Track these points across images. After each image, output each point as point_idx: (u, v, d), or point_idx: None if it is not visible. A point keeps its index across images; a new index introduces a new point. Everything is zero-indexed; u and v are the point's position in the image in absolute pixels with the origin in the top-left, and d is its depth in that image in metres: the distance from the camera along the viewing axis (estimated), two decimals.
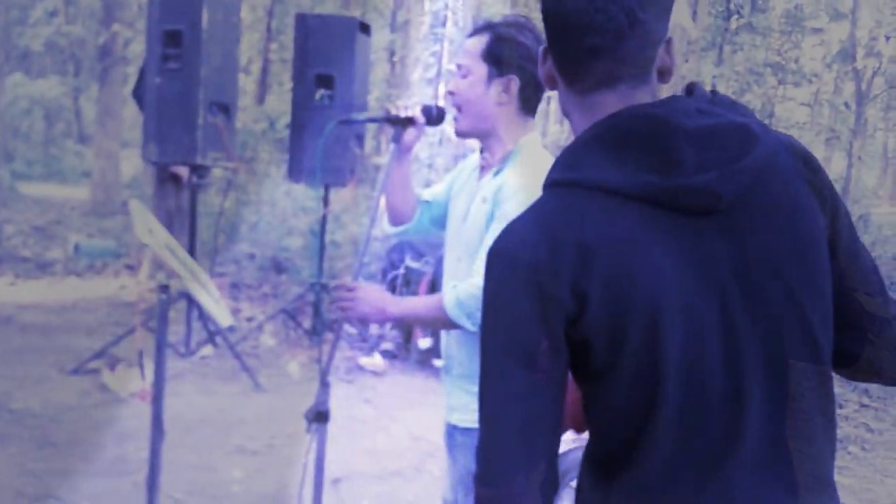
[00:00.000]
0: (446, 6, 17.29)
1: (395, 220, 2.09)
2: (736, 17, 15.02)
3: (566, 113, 1.11)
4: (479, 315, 1.73)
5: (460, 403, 1.91)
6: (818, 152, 13.70)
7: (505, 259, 1.03)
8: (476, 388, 1.84)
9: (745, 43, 15.76)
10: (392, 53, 15.73)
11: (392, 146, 2.00)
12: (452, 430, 1.95)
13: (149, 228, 1.71)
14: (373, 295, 1.86)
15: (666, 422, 0.99)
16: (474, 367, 1.86)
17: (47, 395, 4.37)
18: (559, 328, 1.00)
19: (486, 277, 1.06)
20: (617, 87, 1.03)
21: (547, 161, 1.86)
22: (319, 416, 1.98)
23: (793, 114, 19.77)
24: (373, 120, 2.09)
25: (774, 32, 17.17)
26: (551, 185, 1.06)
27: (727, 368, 0.99)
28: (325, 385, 2.01)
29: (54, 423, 4.01)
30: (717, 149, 0.99)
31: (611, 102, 1.03)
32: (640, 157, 0.99)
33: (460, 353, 1.91)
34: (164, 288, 1.88)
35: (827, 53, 18.86)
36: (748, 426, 0.99)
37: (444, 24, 18.69)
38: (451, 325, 1.81)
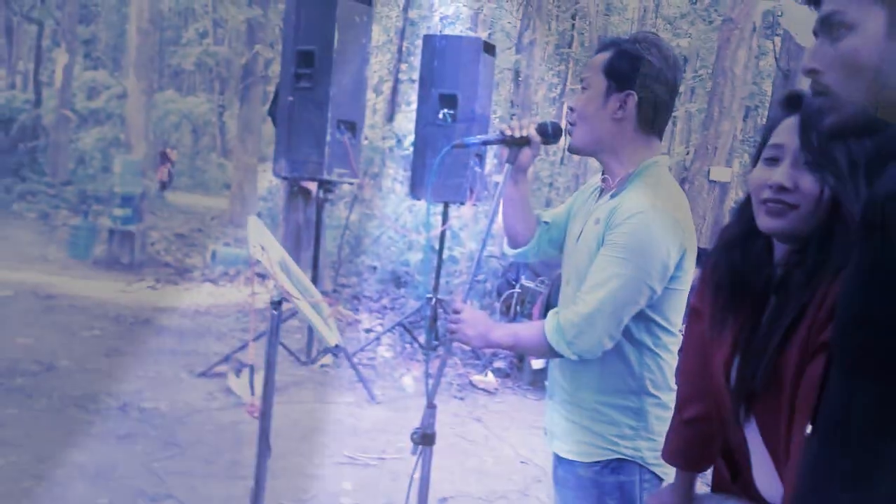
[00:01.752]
0: (573, 27, 17.17)
1: (514, 241, 2.05)
2: None
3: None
4: (579, 343, 1.68)
5: (560, 431, 1.85)
6: None
7: None
8: (576, 418, 1.78)
9: None
10: (517, 73, 15.76)
11: (507, 167, 1.96)
12: (556, 461, 1.89)
13: (261, 245, 1.75)
14: (477, 319, 1.82)
15: None
16: (578, 395, 1.81)
17: (175, 396, 4.61)
18: None
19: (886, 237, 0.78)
20: None
21: (670, 186, 1.77)
22: (425, 439, 1.96)
23: None
24: (488, 142, 2.05)
25: None
26: None
27: None
28: (431, 407, 1.98)
29: (180, 423, 4.21)
30: None
31: None
32: None
33: (563, 380, 1.85)
34: (276, 304, 1.91)
35: None
36: None
37: (570, 45, 18.56)
38: (551, 352, 1.76)
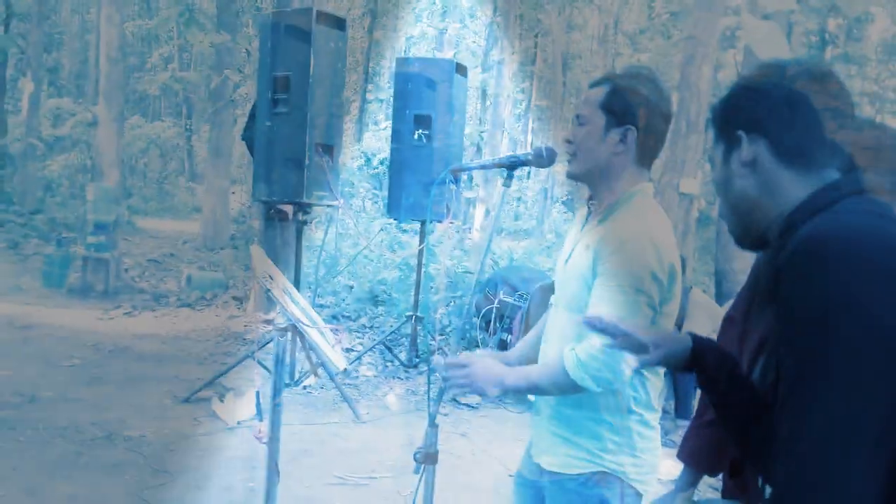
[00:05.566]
0: (536, 45, 17.38)
1: None
2: (831, 46, 14.67)
3: None
4: (603, 375, 1.71)
5: (546, 445, 1.90)
6: None
7: (866, 265, 0.80)
8: (565, 433, 1.84)
9: (840, 73, 15.50)
10: (484, 91, 15.93)
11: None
12: (538, 472, 1.94)
13: (269, 275, 1.80)
14: (489, 367, 1.78)
15: None
16: (563, 411, 1.86)
17: (160, 423, 4.60)
18: None
19: (832, 291, 0.82)
20: None
21: (656, 213, 1.83)
22: (429, 458, 1.99)
23: None
24: (484, 166, 2.12)
25: (871, 61, 16.70)
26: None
27: None
28: (433, 426, 2.00)
29: (167, 450, 4.20)
30: None
31: None
32: None
33: (550, 397, 1.89)
34: (282, 331, 1.95)
35: None
36: None
37: (533, 62, 18.79)
38: (573, 388, 1.75)
